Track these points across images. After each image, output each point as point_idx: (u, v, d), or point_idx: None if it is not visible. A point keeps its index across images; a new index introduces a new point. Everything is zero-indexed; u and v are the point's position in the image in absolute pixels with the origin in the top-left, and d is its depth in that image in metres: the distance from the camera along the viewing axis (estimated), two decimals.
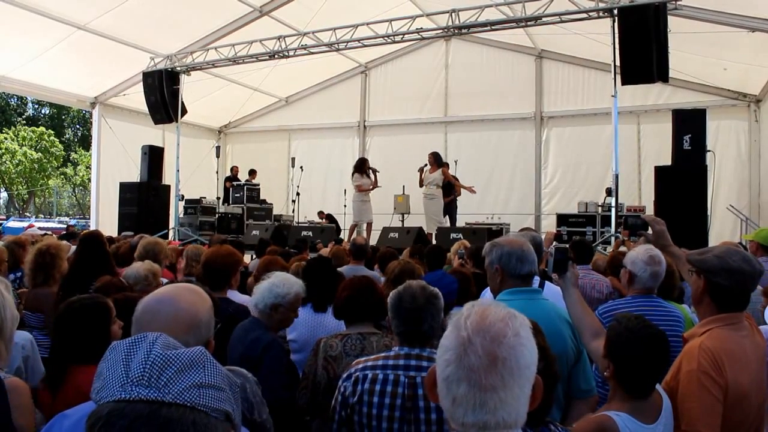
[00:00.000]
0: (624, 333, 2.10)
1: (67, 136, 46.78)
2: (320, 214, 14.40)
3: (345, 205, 13.90)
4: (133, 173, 13.35)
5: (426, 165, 11.65)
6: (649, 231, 2.82)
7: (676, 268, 3.64)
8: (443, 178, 11.47)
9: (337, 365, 2.75)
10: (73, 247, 5.05)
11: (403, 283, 2.51)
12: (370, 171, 11.84)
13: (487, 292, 3.59)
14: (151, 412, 0.85)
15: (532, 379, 1.08)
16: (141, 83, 12.93)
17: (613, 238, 8.84)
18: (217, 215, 13.90)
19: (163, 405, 0.86)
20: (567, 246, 3.31)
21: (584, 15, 9.43)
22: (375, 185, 11.87)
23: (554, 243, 2.72)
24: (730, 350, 2.11)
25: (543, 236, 3.88)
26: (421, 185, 11.72)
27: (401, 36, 11.08)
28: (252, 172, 15.10)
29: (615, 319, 2.25)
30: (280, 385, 2.76)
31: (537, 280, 2.90)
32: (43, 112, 46.44)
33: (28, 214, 42.02)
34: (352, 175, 11.85)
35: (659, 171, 8.94)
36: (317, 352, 2.87)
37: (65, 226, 16.23)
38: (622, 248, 6.72)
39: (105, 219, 13.95)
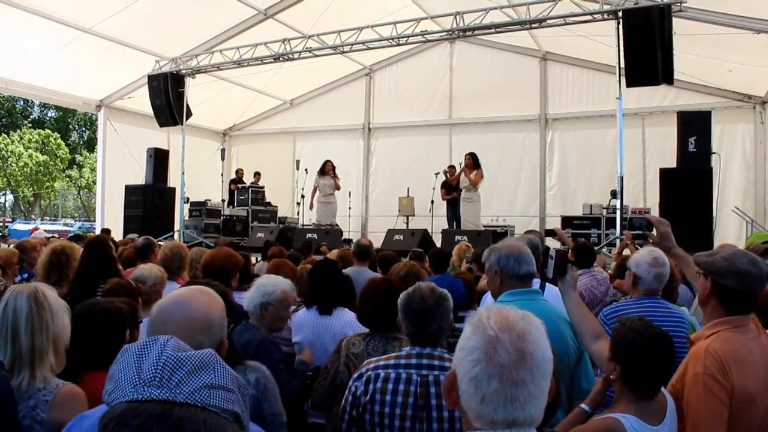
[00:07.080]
0: (630, 335, 2.10)
1: (73, 138, 46.97)
2: None
3: (350, 207, 13.92)
4: (139, 176, 13.44)
5: (461, 164, 11.69)
6: (654, 232, 2.83)
7: (678, 271, 3.65)
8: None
9: (358, 362, 2.76)
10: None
11: (408, 285, 2.53)
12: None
13: (487, 297, 3.60)
14: (163, 412, 0.87)
15: (550, 374, 1.13)
16: (146, 86, 13.00)
17: (617, 240, 8.82)
18: (222, 218, 13.92)
19: (175, 405, 0.88)
20: (566, 248, 3.30)
21: (588, 17, 9.42)
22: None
23: (552, 248, 2.71)
24: (737, 353, 2.10)
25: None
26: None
27: (406, 38, 11.09)
28: (257, 175, 15.12)
29: (619, 321, 2.25)
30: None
31: (536, 282, 2.91)
32: (48, 114, 46.64)
33: (33, 216, 42.20)
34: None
35: (664, 173, 8.92)
36: (340, 350, 2.92)
37: (72, 230, 16.25)
38: (626, 252, 6.70)
39: (110, 221, 14.00)
